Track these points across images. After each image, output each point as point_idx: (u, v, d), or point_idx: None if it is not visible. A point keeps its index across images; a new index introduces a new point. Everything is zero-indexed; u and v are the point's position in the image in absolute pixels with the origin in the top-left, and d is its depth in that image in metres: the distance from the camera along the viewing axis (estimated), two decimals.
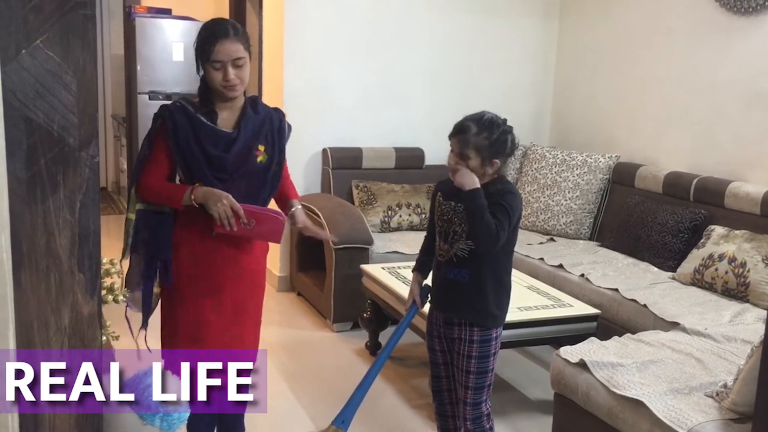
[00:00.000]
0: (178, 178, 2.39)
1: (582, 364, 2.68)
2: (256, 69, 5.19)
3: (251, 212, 2.27)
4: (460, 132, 2.34)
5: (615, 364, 2.64)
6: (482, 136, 2.31)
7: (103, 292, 2.41)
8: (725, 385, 2.40)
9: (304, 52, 4.77)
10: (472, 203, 2.29)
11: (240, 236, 2.32)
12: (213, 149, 2.27)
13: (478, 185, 2.29)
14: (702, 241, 3.80)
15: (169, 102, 2.33)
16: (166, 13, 6.09)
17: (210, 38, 2.22)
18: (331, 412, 2.51)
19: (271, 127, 2.40)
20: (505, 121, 2.38)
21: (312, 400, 3.38)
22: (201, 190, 2.25)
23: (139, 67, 5.66)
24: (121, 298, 2.51)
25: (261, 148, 2.36)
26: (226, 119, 2.34)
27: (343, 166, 4.83)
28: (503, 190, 2.36)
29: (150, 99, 5.63)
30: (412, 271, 2.62)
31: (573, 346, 2.83)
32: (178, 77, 5.55)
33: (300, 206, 2.54)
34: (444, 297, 2.47)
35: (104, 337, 2.29)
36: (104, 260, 2.44)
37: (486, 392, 2.47)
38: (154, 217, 2.35)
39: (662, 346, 2.85)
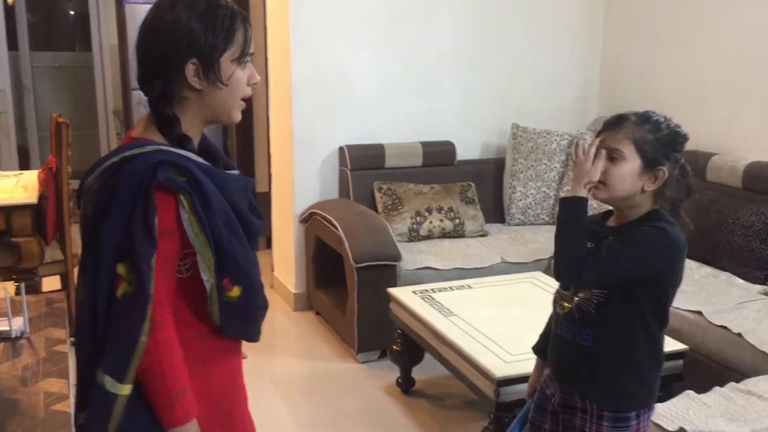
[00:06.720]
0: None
1: None
2: (262, 59, 4.58)
3: None
4: (613, 123, 1.73)
5: None
6: (644, 128, 1.69)
7: None
8: None
9: (313, 36, 4.12)
10: (566, 208, 1.68)
11: None
12: (248, 213, 1.45)
13: (585, 194, 1.66)
14: None
15: (149, 151, 1.31)
16: None
17: (242, 21, 1.39)
18: None
19: None
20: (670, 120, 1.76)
21: None
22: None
23: (131, 59, 5.08)
24: None
25: None
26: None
27: (364, 166, 4.20)
28: (650, 222, 1.70)
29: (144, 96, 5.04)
30: (534, 351, 1.98)
31: (666, 404, 2.21)
32: None
33: None
34: (560, 363, 1.83)
35: None
36: None
37: None
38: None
39: None
